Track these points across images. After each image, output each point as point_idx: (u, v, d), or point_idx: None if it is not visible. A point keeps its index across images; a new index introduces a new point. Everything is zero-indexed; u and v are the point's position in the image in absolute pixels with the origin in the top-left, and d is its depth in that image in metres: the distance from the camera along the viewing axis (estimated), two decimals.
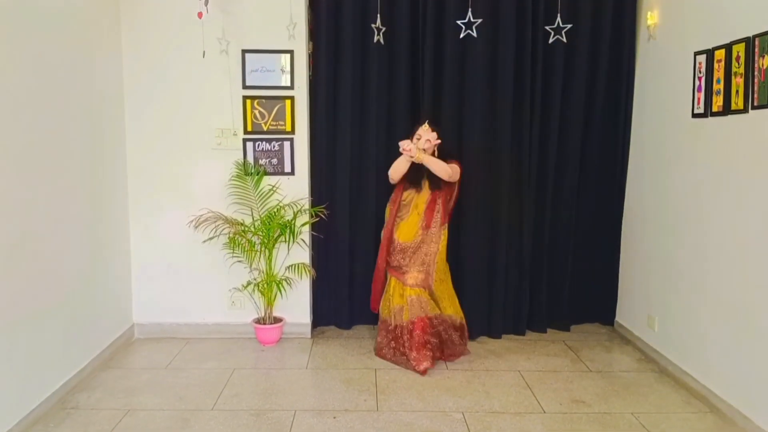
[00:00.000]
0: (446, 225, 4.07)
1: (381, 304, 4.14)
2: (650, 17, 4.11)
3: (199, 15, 3.91)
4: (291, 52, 4.20)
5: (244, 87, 4.23)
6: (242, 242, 4.16)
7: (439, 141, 3.94)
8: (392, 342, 4.00)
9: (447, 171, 3.90)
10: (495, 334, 4.51)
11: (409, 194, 4.05)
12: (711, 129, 3.43)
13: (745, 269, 3.12)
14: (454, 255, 4.36)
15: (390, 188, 4.23)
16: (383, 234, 4.12)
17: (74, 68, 3.54)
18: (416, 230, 3.99)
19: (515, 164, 4.42)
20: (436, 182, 3.98)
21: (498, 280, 4.50)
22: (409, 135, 4.00)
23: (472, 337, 4.37)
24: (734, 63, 3.20)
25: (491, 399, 3.46)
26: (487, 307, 4.51)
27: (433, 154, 3.94)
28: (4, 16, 2.85)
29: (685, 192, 3.69)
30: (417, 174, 3.99)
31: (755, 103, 3.03)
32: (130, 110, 4.22)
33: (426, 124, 3.97)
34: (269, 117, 4.25)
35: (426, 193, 4.02)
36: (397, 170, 3.99)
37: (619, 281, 4.60)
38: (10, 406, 2.94)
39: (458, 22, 4.07)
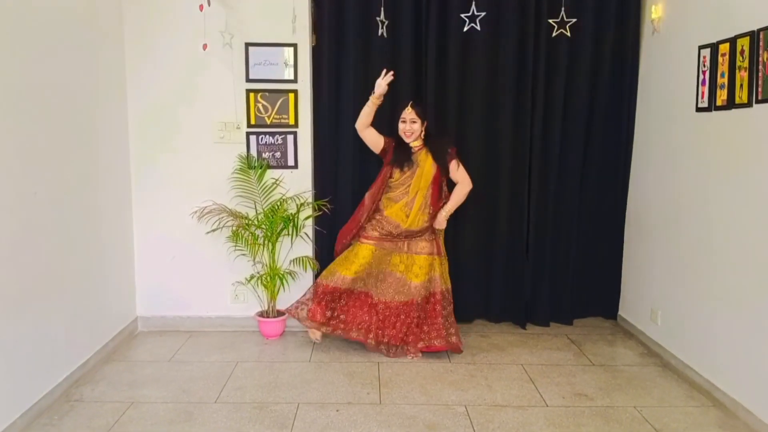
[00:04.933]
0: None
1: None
2: (654, 11, 4.09)
3: (200, 7, 3.90)
4: (294, 45, 4.19)
5: (248, 80, 4.22)
6: (245, 235, 4.16)
7: (425, 123, 3.96)
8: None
9: (467, 192, 4.00)
10: (493, 319, 4.61)
11: (401, 173, 3.95)
12: (715, 123, 3.43)
13: (748, 262, 3.12)
14: (454, 247, 4.37)
15: None
16: (366, 201, 4.04)
17: (76, 61, 3.53)
18: (421, 215, 3.93)
19: (518, 157, 4.42)
20: (444, 163, 3.94)
21: (499, 274, 4.53)
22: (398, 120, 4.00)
23: (470, 319, 4.52)
24: (738, 57, 3.19)
25: (494, 392, 3.47)
26: (485, 296, 4.58)
27: (420, 136, 3.95)
28: (4, 9, 2.85)
29: (689, 185, 3.69)
30: (404, 154, 3.96)
31: (759, 97, 3.03)
32: (132, 103, 4.22)
33: (409, 106, 3.93)
34: (272, 110, 4.25)
35: (427, 169, 3.93)
36: (363, 117, 3.95)
37: (622, 275, 4.60)
38: (15, 398, 2.95)
39: (462, 15, 4.05)
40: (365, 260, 3.96)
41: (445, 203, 4.00)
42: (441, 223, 3.97)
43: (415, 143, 3.96)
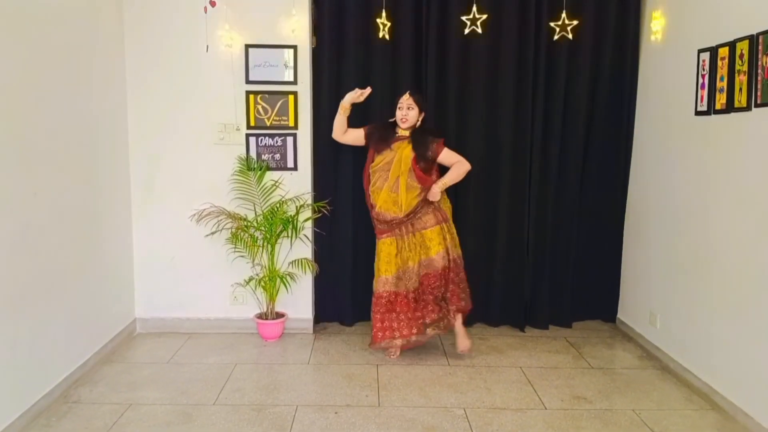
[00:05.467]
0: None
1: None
2: (654, 14, 4.10)
3: (205, 9, 3.90)
4: (294, 47, 4.19)
5: (248, 82, 4.22)
6: (245, 237, 4.16)
7: (422, 114, 3.96)
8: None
9: (465, 170, 3.98)
10: (493, 323, 4.60)
11: (381, 158, 3.96)
12: (714, 127, 3.43)
13: (747, 266, 3.12)
14: None
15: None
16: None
17: (76, 62, 3.54)
18: (411, 195, 3.90)
19: (518, 161, 4.43)
20: (423, 153, 3.91)
21: (498, 277, 4.53)
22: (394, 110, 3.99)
23: (469, 323, 4.49)
24: (738, 61, 3.19)
25: (493, 395, 3.47)
26: (484, 299, 4.56)
27: (415, 125, 3.94)
28: (4, 11, 2.85)
29: (688, 189, 3.69)
30: (381, 137, 3.97)
31: (758, 101, 3.03)
32: (132, 104, 4.22)
33: (407, 93, 3.94)
34: (272, 112, 4.25)
35: (406, 154, 3.90)
36: (336, 127, 4.04)
37: (621, 278, 4.60)
38: (13, 399, 2.94)
39: (463, 17, 4.06)
40: (392, 252, 3.96)
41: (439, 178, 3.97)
42: (435, 195, 3.88)
43: (404, 132, 3.94)
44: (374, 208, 3.98)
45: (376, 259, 4.05)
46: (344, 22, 4.27)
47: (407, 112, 3.91)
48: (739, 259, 3.20)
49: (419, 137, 3.94)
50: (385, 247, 3.98)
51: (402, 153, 3.90)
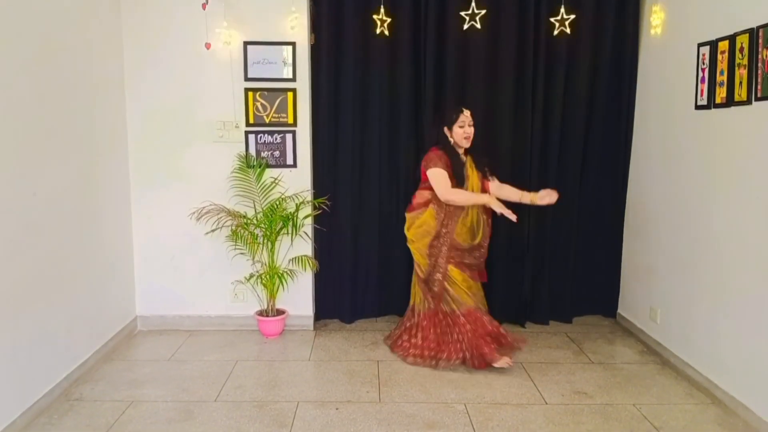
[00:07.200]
0: None
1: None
2: (654, 8, 4.09)
3: (203, 6, 3.90)
4: (293, 44, 4.19)
5: (246, 79, 4.22)
6: (245, 235, 4.16)
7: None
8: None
9: None
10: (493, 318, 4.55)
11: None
12: (714, 121, 3.42)
13: (747, 261, 3.12)
14: None
15: (392, 180, 4.23)
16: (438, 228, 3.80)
17: (75, 61, 3.53)
18: (483, 226, 3.82)
19: (517, 155, 4.42)
20: (483, 172, 3.89)
21: (499, 272, 4.51)
22: (440, 119, 3.86)
23: None
24: (738, 54, 3.18)
25: (493, 390, 3.47)
26: (485, 295, 4.51)
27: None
28: (3, 11, 2.85)
29: (688, 183, 3.68)
30: (459, 166, 3.79)
31: (759, 95, 3.02)
32: (131, 102, 4.22)
33: (465, 110, 3.76)
34: (271, 109, 4.24)
35: (476, 181, 3.82)
36: (466, 203, 3.75)
37: (622, 273, 4.60)
38: (14, 398, 2.95)
39: (461, 13, 4.05)
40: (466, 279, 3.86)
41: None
42: (551, 195, 3.80)
43: (461, 151, 3.82)
44: (449, 236, 3.77)
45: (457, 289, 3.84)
46: (342, 18, 4.26)
47: (470, 131, 3.76)
48: (739, 253, 3.19)
49: (480, 160, 3.88)
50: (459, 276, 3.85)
51: (473, 178, 3.81)
